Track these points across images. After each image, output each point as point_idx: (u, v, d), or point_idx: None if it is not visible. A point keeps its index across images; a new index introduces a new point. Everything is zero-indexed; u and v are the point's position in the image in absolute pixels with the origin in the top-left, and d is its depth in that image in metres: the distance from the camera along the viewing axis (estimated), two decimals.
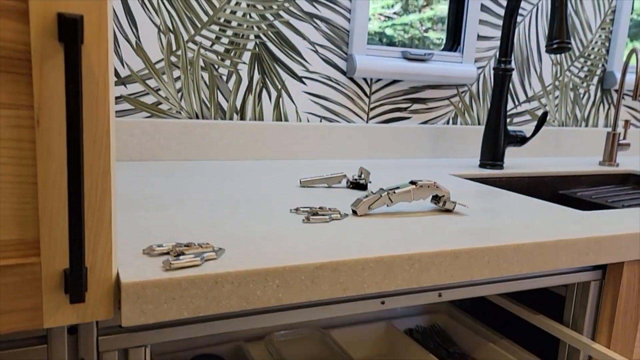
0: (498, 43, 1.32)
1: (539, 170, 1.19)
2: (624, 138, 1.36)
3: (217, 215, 0.65)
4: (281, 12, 1.08)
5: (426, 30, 1.31)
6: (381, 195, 0.70)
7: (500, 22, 1.32)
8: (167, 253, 0.50)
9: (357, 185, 0.86)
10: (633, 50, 1.28)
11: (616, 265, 0.71)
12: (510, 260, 0.60)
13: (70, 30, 0.36)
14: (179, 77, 1.02)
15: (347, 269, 0.52)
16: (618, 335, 0.73)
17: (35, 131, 0.39)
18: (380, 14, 1.26)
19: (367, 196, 0.70)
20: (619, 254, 0.68)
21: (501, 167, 1.18)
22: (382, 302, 0.61)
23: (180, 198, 0.73)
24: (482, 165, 1.18)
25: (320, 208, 0.69)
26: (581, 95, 1.49)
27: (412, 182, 0.72)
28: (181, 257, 0.47)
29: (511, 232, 0.64)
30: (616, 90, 1.54)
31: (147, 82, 1.00)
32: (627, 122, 1.36)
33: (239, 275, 0.47)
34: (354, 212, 0.69)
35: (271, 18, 1.07)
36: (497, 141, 1.17)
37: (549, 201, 1.21)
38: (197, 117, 1.05)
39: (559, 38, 0.97)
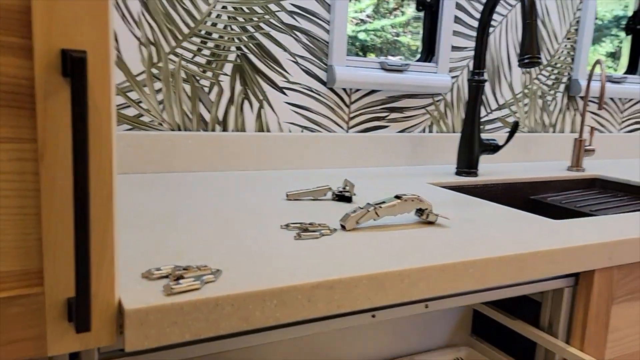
0: (471, 53, 1.36)
1: (512, 177, 1.24)
2: (590, 144, 1.42)
3: (209, 233, 0.66)
4: (262, 24, 1.09)
5: (397, 35, 1.35)
6: (368, 210, 0.72)
7: (473, 33, 1.36)
8: (166, 277, 0.50)
9: (342, 197, 0.88)
10: (597, 62, 1.34)
11: (588, 273, 0.75)
12: (492, 271, 0.63)
13: (77, 68, 0.37)
14: (160, 89, 1.02)
15: (341, 287, 0.54)
16: (590, 338, 0.77)
17: (39, 164, 0.39)
18: (353, 18, 1.28)
19: (354, 211, 0.72)
20: (590, 262, 0.72)
21: (476, 174, 1.22)
22: (373, 316, 0.63)
23: (168, 214, 0.73)
24: (459, 172, 1.22)
25: (310, 224, 0.71)
26: (549, 103, 1.55)
27: (397, 197, 0.74)
28: (181, 281, 0.48)
29: (492, 244, 0.67)
30: (582, 97, 1.61)
31: (128, 94, 1.00)
32: (592, 128, 1.42)
33: (238, 298, 0.48)
34: (343, 227, 0.71)
35: (252, 30, 1.08)
36: (472, 149, 1.21)
37: (522, 206, 1.26)
38: (179, 129, 1.05)
39: (529, 53, 1.01)
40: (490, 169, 1.34)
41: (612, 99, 1.67)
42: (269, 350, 0.72)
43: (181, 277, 0.49)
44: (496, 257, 0.63)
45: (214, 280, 0.50)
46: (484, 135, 1.43)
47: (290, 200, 0.87)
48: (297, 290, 0.51)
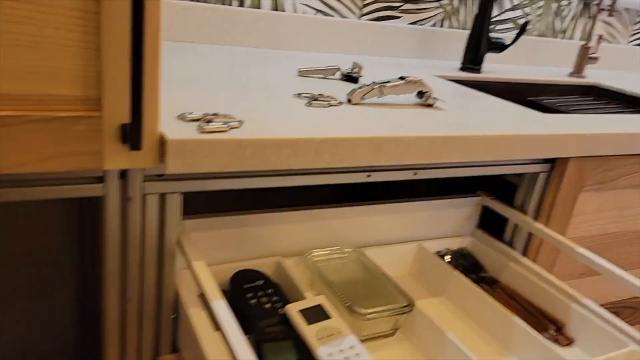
0: None
1: (513, 76, 1.29)
2: (595, 52, 1.46)
3: (231, 95, 0.74)
4: None
5: None
6: (374, 88, 0.79)
7: None
8: (197, 120, 0.59)
9: (350, 78, 0.95)
10: None
11: (563, 160, 0.85)
12: (477, 148, 0.72)
13: None
14: None
15: (345, 144, 0.63)
16: (556, 216, 0.88)
17: (99, 4, 0.46)
18: None
19: (361, 87, 0.79)
20: (566, 150, 0.81)
21: (479, 71, 1.27)
22: (368, 176, 0.73)
23: (192, 77, 0.81)
24: (463, 68, 1.27)
25: (320, 95, 0.78)
26: (562, 7, 1.56)
27: (401, 78, 0.81)
28: (211, 124, 0.57)
29: (480, 126, 0.75)
30: (597, 4, 1.61)
31: None
32: (600, 37, 1.45)
33: (258, 142, 0.57)
34: (349, 101, 0.79)
35: None
36: (478, 46, 1.25)
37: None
38: (198, 0, 1.09)
39: None
40: (494, 67, 1.39)
41: (627, 9, 1.67)
42: (286, 223, 0.80)
43: (211, 120, 0.58)
44: (482, 135, 0.72)
45: (238, 127, 0.59)
46: (492, 34, 1.45)
47: (302, 76, 0.94)
48: (308, 143, 0.60)
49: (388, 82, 0.81)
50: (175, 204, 0.61)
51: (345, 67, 1.06)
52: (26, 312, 0.98)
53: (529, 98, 1.34)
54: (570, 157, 0.84)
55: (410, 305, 0.72)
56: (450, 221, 0.93)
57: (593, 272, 1.01)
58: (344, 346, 0.60)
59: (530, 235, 0.91)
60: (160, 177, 0.59)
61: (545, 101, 1.32)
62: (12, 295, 0.96)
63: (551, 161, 0.86)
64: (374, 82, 0.80)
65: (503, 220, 0.93)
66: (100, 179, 0.56)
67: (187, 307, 0.63)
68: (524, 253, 0.92)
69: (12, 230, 0.91)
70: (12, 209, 0.89)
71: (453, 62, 1.39)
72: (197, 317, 0.62)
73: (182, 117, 0.59)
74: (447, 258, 0.91)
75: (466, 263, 0.91)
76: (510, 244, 0.92)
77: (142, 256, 0.61)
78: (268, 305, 0.67)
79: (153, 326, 0.65)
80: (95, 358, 1.07)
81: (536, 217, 0.89)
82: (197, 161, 0.55)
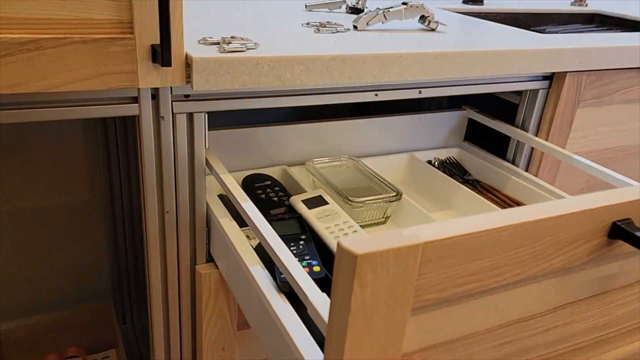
0: None
1: (515, 7, 1.32)
2: None
3: (243, 23, 0.79)
4: None
5: None
6: (377, 13, 0.83)
7: None
8: (217, 43, 0.65)
9: (355, 10, 0.99)
10: None
11: (560, 76, 0.89)
12: (477, 63, 0.77)
13: None
14: None
15: (352, 62, 0.68)
16: (555, 132, 0.93)
17: None
18: None
19: (365, 14, 0.84)
20: (561, 64, 0.85)
21: (482, 2, 1.30)
22: (376, 94, 0.78)
23: (206, 11, 0.86)
24: (465, 1, 1.30)
25: (327, 22, 0.83)
26: None
27: (403, 3, 0.85)
28: (230, 45, 0.62)
29: (481, 44, 0.80)
30: None
31: None
32: None
33: (273, 60, 0.63)
34: (355, 27, 0.83)
35: None
36: None
37: None
38: None
39: None
40: (497, 0, 1.41)
41: None
42: (290, 136, 0.89)
43: (230, 42, 0.64)
44: (482, 50, 0.76)
45: (254, 48, 0.65)
46: None
47: (309, 10, 0.98)
48: (318, 60, 0.66)
49: (391, 7, 0.85)
50: (201, 122, 0.67)
51: (351, 1, 1.10)
52: (64, 259, 1.07)
53: (532, 28, 1.36)
54: (566, 72, 0.88)
55: (398, 195, 0.81)
56: (439, 133, 1.03)
57: (593, 186, 1.06)
58: (341, 223, 0.70)
59: (532, 152, 0.96)
60: (187, 98, 0.65)
61: (547, 30, 1.35)
62: (49, 246, 1.04)
63: (549, 78, 0.91)
64: (377, 8, 0.85)
65: (492, 133, 0.99)
66: (134, 99, 0.62)
67: (218, 218, 0.70)
68: (526, 169, 0.97)
69: (43, 185, 0.98)
70: (40, 160, 0.96)
71: None
72: (228, 226, 0.69)
73: (203, 41, 0.64)
74: (435, 165, 1.01)
75: (453, 169, 1.00)
76: (513, 162, 0.98)
77: (176, 171, 0.68)
78: (275, 199, 0.79)
79: (189, 237, 0.73)
80: (132, 297, 1.17)
81: (536, 134, 0.95)
82: (219, 78, 0.61)
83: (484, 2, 1.32)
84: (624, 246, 0.50)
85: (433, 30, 0.89)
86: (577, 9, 1.42)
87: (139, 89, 0.61)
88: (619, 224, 0.47)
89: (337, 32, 0.80)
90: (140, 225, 1.07)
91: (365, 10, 1.00)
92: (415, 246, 0.36)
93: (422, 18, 0.88)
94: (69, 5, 0.52)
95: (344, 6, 1.03)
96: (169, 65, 0.55)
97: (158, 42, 0.57)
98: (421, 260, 0.38)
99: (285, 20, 0.86)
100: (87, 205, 1.05)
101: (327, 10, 1.01)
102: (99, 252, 1.10)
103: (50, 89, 0.54)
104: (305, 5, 0.99)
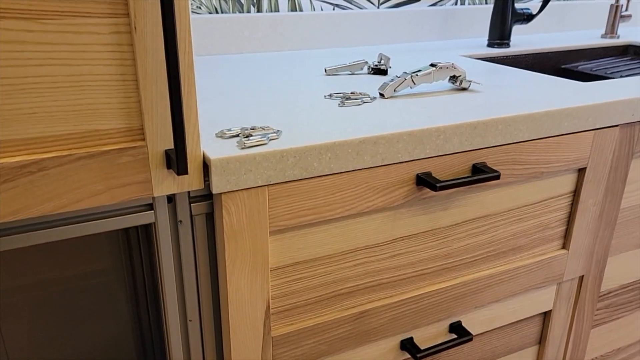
0: None
1: (543, 46, 1.25)
2: (626, 9, 1.40)
3: (262, 103, 0.74)
4: None
5: None
6: (405, 79, 0.78)
7: None
8: (237, 135, 0.59)
9: (379, 70, 0.94)
10: None
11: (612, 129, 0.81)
12: (520, 127, 0.70)
13: None
14: None
15: (384, 142, 0.62)
16: (609, 188, 0.85)
17: (132, 36, 0.46)
18: None
19: (392, 80, 0.78)
20: (614, 118, 0.77)
21: (508, 45, 1.23)
22: None
23: (221, 91, 0.81)
24: (490, 44, 1.24)
25: (351, 93, 0.77)
26: None
27: (432, 65, 0.79)
28: (250, 138, 0.57)
29: (520, 104, 0.73)
30: None
31: None
32: None
33: (299, 151, 0.57)
34: (381, 95, 0.78)
35: None
36: (504, 20, 1.22)
37: (553, 75, 1.28)
38: (217, 12, 1.09)
39: None
40: (522, 39, 1.35)
41: None
42: None
43: (250, 135, 0.58)
44: (524, 114, 0.70)
45: (277, 138, 0.59)
46: (517, 5, 1.41)
47: (329, 75, 0.93)
48: (347, 145, 0.60)
49: (419, 70, 0.79)
50: None
51: (372, 60, 1.05)
52: (86, 333, 1.01)
53: (563, 66, 1.29)
54: (618, 124, 0.80)
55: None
56: None
57: None
58: None
59: None
60: (207, 197, 0.59)
61: (580, 67, 1.27)
62: (70, 318, 0.98)
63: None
64: (405, 73, 0.79)
65: None
66: (149, 206, 0.56)
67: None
68: None
69: (63, 259, 0.93)
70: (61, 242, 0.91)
71: (479, 39, 1.35)
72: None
73: (221, 135, 0.59)
74: None
75: None
76: None
77: (197, 276, 0.61)
78: None
79: (215, 344, 0.66)
80: None
81: None
82: (240, 178, 0.55)
83: (510, 43, 1.25)
84: (431, 192, 0.68)
85: (465, 89, 0.82)
86: (609, 41, 1.35)
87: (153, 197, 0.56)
88: (420, 174, 0.66)
89: (364, 102, 0.74)
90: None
91: (390, 72, 0.94)
92: (262, 188, 0.57)
93: (453, 78, 0.82)
94: (73, 119, 0.47)
95: (365, 67, 0.97)
96: (185, 173, 0.49)
97: (171, 146, 0.51)
98: (269, 197, 0.58)
99: (306, 91, 0.81)
100: (108, 276, 0.99)
101: (349, 72, 0.95)
102: (122, 326, 1.03)
103: (56, 211, 0.48)
104: (325, 70, 0.93)
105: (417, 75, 0.78)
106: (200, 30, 1.06)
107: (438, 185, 0.64)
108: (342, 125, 0.64)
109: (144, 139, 0.50)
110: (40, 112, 0.46)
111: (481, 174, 0.68)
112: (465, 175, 0.67)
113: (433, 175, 0.67)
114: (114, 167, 0.49)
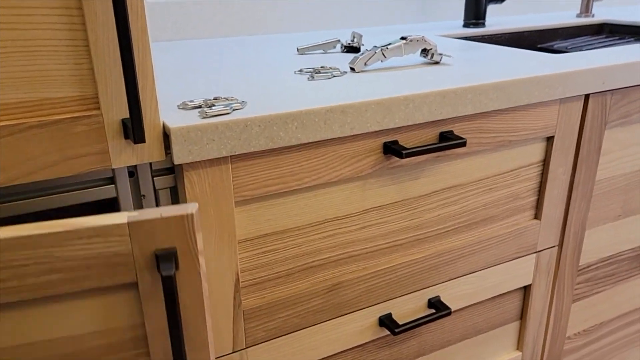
0: None
1: (519, 26, 1.25)
2: None
3: (230, 78, 0.72)
4: None
5: None
6: (375, 52, 0.77)
7: None
8: (199, 107, 0.58)
9: (351, 48, 0.93)
10: None
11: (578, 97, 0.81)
12: (490, 96, 0.69)
13: None
14: None
15: (353, 111, 0.61)
16: (583, 159, 0.84)
17: None
18: None
19: (362, 54, 0.77)
20: (584, 87, 0.77)
21: (483, 25, 1.23)
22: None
23: (190, 67, 0.79)
24: (466, 25, 1.24)
25: (321, 67, 0.76)
26: None
27: (402, 38, 0.79)
28: (213, 108, 0.55)
29: (491, 74, 0.73)
30: None
31: None
32: None
33: (264, 119, 0.56)
34: (352, 69, 0.77)
35: None
36: (479, 0, 1.21)
37: None
38: None
39: None
40: (498, 20, 1.35)
41: None
42: None
43: (213, 105, 0.57)
44: (493, 82, 0.69)
45: (241, 108, 0.58)
46: None
47: (301, 54, 0.92)
48: (314, 114, 0.59)
49: (389, 44, 0.78)
50: None
51: (345, 39, 1.04)
52: None
53: (539, 45, 1.29)
54: (589, 94, 0.80)
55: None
56: None
57: (630, 211, 0.97)
58: None
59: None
60: (170, 170, 0.57)
61: (556, 46, 1.27)
62: None
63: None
64: (375, 47, 0.78)
65: None
66: (110, 180, 0.55)
67: None
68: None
69: None
70: None
71: (455, 21, 1.35)
72: None
73: (183, 106, 0.58)
74: None
75: None
76: None
77: None
78: None
79: None
80: None
81: None
82: (203, 148, 0.53)
83: (486, 24, 1.25)
84: (401, 160, 0.67)
85: (437, 63, 0.81)
86: (583, 20, 1.35)
87: (113, 169, 0.54)
88: (387, 143, 0.65)
89: (333, 76, 0.73)
90: None
91: (362, 49, 0.94)
92: (224, 158, 0.56)
93: (424, 51, 0.81)
94: (23, 86, 0.46)
95: (338, 45, 0.96)
96: (143, 141, 0.48)
97: (128, 115, 0.50)
98: (232, 167, 0.57)
99: (276, 68, 0.80)
100: None
101: (322, 51, 0.94)
102: None
103: (8, 183, 0.47)
104: (297, 49, 0.92)
105: (387, 48, 0.77)
106: (172, 14, 1.05)
107: (404, 152, 0.64)
108: (310, 97, 0.63)
109: (99, 108, 0.49)
110: None
111: (448, 141, 0.67)
112: (432, 143, 0.67)
113: (400, 143, 0.67)
114: (68, 137, 0.48)
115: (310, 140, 0.60)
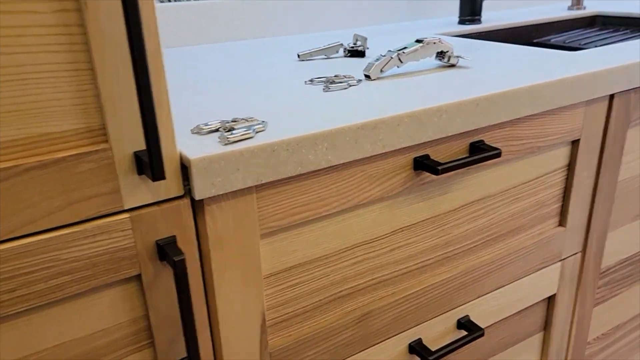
0: None
1: (514, 21, 1.21)
2: None
3: (236, 94, 0.65)
4: None
5: None
6: (391, 57, 0.71)
7: None
8: (216, 130, 0.51)
9: (356, 52, 0.87)
10: None
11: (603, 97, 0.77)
12: (524, 101, 0.65)
13: None
14: None
15: (384, 127, 0.55)
16: (607, 159, 0.81)
17: (82, 14, 0.37)
18: None
19: (377, 60, 0.71)
20: (612, 87, 0.73)
21: (479, 21, 1.19)
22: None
23: (195, 81, 0.72)
24: (462, 21, 1.19)
25: (335, 76, 0.70)
26: None
27: (417, 41, 0.73)
28: (234, 131, 0.48)
29: (519, 77, 0.68)
30: None
31: None
32: None
33: (292, 142, 0.49)
34: (367, 77, 0.71)
35: None
36: None
37: None
38: (169, 0, 0.99)
39: None
40: (492, 16, 1.31)
41: None
42: None
43: (232, 128, 0.50)
44: (526, 87, 0.64)
45: (264, 130, 0.51)
46: None
47: (302, 60, 0.86)
48: (345, 132, 0.52)
49: (405, 48, 0.72)
50: None
51: (347, 42, 0.98)
52: None
53: (535, 40, 1.26)
54: (614, 93, 0.76)
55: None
56: None
57: None
58: None
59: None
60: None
61: (552, 40, 1.24)
62: None
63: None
64: (390, 51, 0.72)
65: None
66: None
67: None
68: None
69: None
70: None
71: (448, 18, 1.30)
72: None
73: (197, 131, 0.51)
74: None
75: None
76: None
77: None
78: None
79: None
80: None
81: None
82: (227, 179, 0.46)
83: (482, 20, 1.21)
84: (431, 176, 0.63)
85: (453, 65, 0.76)
86: (576, 13, 1.33)
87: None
88: (418, 158, 0.60)
89: (350, 86, 0.67)
90: None
91: (367, 53, 0.87)
92: (249, 188, 0.49)
93: (440, 54, 0.76)
94: (16, 121, 0.38)
95: (341, 50, 0.90)
96: (163, 178, 0.40)
97: (142, 147, 0.42)
98: (257, 196, 0.50)
99: (283, 78, 0.73)
100: None
101: (324, 56, 0.88)
102: None
103: (3, 237, 0.39)
104: (298, 55, 0.86)
105: (403, 53, 0.71)
106: (172, 20, 0.96)
107: (440, 168, 0.58)
108: (333, 113, 0.56)
109: (107, 141, 0.41)
110: None
111: (481, 152, 0.62)
112: (466, 156, 0.61)
113: (432, 158, 0.61)
114: (72, 177, 0.40)
115: (341, 162, 0.53)
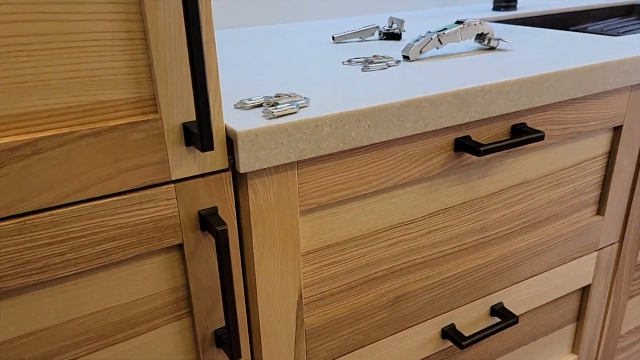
0: None
1: (549, 8, 1.19)
2: None
3: (276, 72, 0.65)
4: None
5: None
6: (431, 38, 0.70)
7: None
8: (259, 105, 0.51)
9: (391, 35, 0.86)
10: None
11: None
12: (567, 83, 0.63)
13: None
14: None
15: (427, 105, 0.54)
16: None
17: None
18: None
19: (417, 40, 0.70)
20: None
21: (515, 8, 1.17)
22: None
23: (234, 61, 0.72)
24: (496, 8, 1.17)
25: (374, 56, 0.69)
26: None
27: (457, 22, 0.72)
28: (278, 106, 0.48)
29: (561, 60, 0.66)
30: None
31: None
32: None
33: (335, 118, 0.49)
34: (406, 58, 0.70)
35: None
36: None
37: None
38: None
39: None
40: (528, 3, 1.28)
41: None
42: None
43: (276, 103, 0.50)
44: (569, 69, 0.63)
45: (307, 106, 0.51)
46: None
47: (338, 43, 0.85)
48: (388, 110, 0.52)
49: (445, 29, 0.71)
50: None
51: (383, 25, 0.97)
52: None
53: (572, 28, 1.23)
54: None
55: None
56: None
57: None
58: None
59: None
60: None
61: (589, 28, 1.21)
62: None
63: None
64: (429, 32, 0.71)
65: None
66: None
67: None
68: None
69: None
70: None
71: (482, 4, 1.28)
72: None
73: (241, 105, 0.51)
74: None
75: None
76: None
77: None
78: None
79: (248, 340, 0.58)
80: None
81: None
82: (271, 153, 0.47)
83: (517, 6, 1.19)
84: (471, 158, 0.62)
85: (493, 48, 0.75)
86: (614, 1, 1.29)
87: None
88: (459, 139, 0.59)
89: (389, 66, 0.66)
90: None
91: (403, 36, 0.87)
92: (291, 164, 0.49)
93: (480, 36, 0.74)
94: (73, 88, 0.38)
95: (376, 32, 0.89)
96: (211, 149, 0.41)
97: (191, 118, 0.43)
98: (298, 172, 0.50)
99: (319, 60, 0.73)
100: None
101: (359, 39, 0.87)
102: None
103: (57, 202, 0.40)
104: (333, 37, 0.85)
105: (443, 34, 0.70)
106: None
107: (482, 149, 0.57)
108: (373, 91, 0.56)
109: (157, 111, 0.42)
110: (31, 80, 0.37)
111: (523, 135, 0.61)
112: (507, 138, 0.60)
113: (473, 139, 0.60)
114: (123, 146, 0.41)
115: (383, 140, 0.53)
